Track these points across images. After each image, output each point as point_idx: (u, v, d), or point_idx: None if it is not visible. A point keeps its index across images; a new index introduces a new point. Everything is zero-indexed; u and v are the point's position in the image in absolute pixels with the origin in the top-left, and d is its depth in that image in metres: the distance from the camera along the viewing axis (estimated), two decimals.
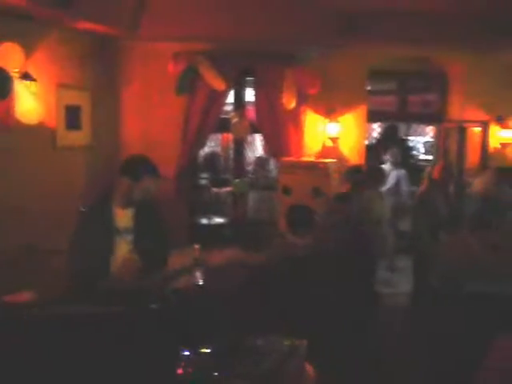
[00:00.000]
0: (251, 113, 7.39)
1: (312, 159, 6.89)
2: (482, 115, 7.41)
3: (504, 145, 7.50)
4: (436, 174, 5.90)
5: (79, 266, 3.44)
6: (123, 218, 3.61)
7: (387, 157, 8.91)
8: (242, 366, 2.40)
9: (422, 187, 5.95)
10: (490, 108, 7.38)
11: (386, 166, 8.31)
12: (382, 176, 6.57)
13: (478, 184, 5.84)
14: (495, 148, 7.52)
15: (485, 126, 7.46)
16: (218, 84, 6.58)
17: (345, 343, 3.75)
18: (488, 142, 7.50)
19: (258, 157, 8.58)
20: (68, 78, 5.79)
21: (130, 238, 3.60)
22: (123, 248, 3.56)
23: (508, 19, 6.38)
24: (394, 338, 3.51)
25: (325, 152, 7.15)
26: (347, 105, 7.17)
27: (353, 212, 5.23)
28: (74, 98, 5.92)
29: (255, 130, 7.36)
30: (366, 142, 7.88)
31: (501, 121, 7.43)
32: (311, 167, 6.44)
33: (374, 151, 9.04)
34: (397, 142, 10.22)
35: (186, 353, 2.39)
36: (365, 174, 6.21)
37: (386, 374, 3.30)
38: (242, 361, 2.43)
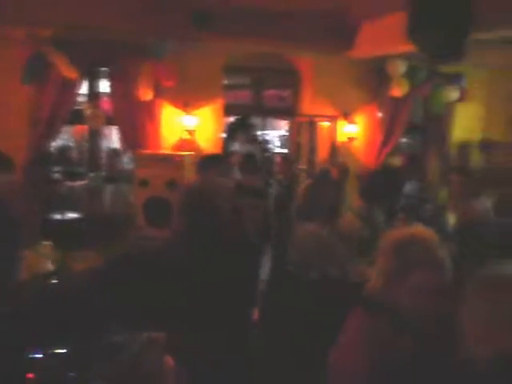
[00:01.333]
0: (106, 104, 7.19)
1: (168, 152, 6.87)
2: (330, 110, 7.86)
3: (350, 139, 8.02)
4: (335, 172, 6.12)
5: None
6: None
7: (240, 141, 9.03)
8: (99, 364, 2.36)
9: (303, 188, 6.09)
10: (338, 104, 7.85)
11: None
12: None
13: None
14: (342, 142, 8.01)
15: (333, 120, 7.93)
16: (69, 72, 6.31)
17: (208, 334, 3.81)
18: (336, 136, 7.98)
19: (113, 149, 8.32)
20: None
21: None
22: None
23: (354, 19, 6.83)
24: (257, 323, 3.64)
25: (182, 144, 7.18)
26: (204, 98, 7.24)
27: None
28: None
29: (111, 122, 7.18)
30: (223, 135, 8.00)
31: (347, 116, 7.93)
32: (167, 159, 6.43)
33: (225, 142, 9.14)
34: (245, 131, 10.36)
35: (39, 355, 2.30)
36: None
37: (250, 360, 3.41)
38: (99, 359, 2.39)
